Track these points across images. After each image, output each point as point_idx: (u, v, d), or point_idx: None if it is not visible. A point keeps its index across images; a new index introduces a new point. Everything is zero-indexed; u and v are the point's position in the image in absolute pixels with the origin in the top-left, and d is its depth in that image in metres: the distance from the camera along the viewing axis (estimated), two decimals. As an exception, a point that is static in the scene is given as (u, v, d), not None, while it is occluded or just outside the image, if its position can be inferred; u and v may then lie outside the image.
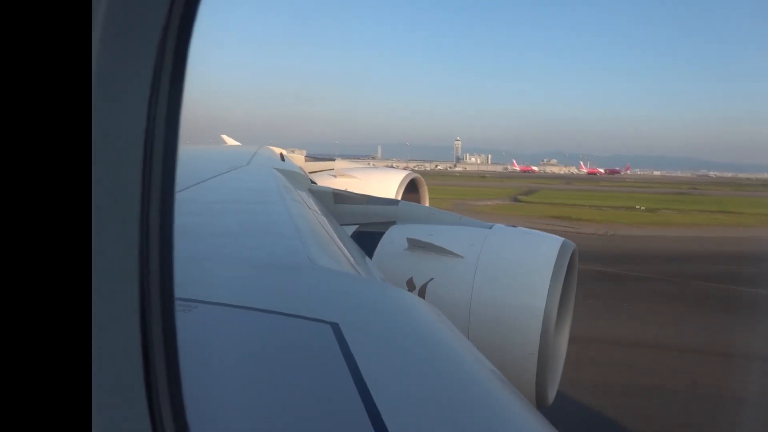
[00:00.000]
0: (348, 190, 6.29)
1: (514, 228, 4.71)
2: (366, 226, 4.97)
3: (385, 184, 8.98)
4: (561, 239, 4.34)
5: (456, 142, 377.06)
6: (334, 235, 3.51)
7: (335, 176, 9.42)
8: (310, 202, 4.85)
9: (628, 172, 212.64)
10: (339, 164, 11.64)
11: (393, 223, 4.92)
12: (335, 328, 1.51)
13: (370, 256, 4.33)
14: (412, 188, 9.50)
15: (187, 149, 8.22)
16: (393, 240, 4.54)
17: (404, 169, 12.46)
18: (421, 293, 4.08)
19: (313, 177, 8.23)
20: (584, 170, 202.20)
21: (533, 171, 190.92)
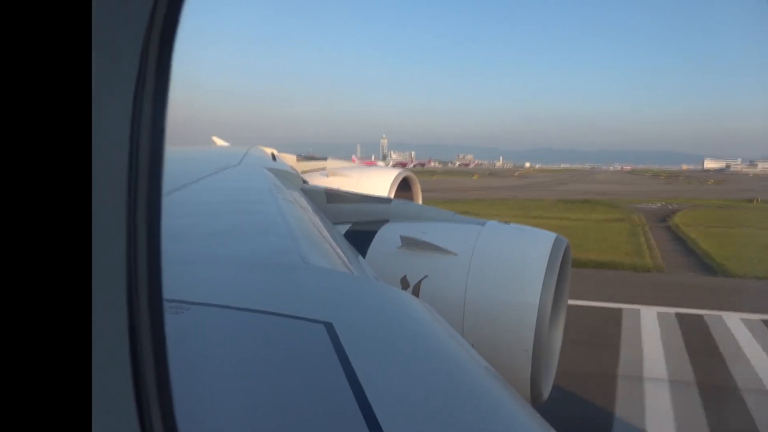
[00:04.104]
0: (340, 189, 6.27)
1: (507, 224, 4.71)
2: (359, 225, 4.97)
3: (377, 182, 8.97)
4: (554, 235, 4.35)
5: (382, 140, 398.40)
6: (327, 235, 3.50)
7: (327, 175, 9.40)
8: (303, 201, 4.83)
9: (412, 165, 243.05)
10: (331, 163, 11.60)
11: (386, 221, 4.92)
12: (329, 327, 1.51)
13: (364, 254, 4.32)
14: (404, 186, 9.50)
15: (177, 150, 8.16)
16: (386, 238, 4.53)
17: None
18: (415, 291, 4.08)
19: (306, 176, 8.20)
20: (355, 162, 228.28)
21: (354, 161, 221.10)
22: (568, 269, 4.43)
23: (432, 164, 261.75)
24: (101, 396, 0.69)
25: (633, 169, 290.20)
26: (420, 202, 9.52)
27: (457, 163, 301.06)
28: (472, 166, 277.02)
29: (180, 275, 1.86)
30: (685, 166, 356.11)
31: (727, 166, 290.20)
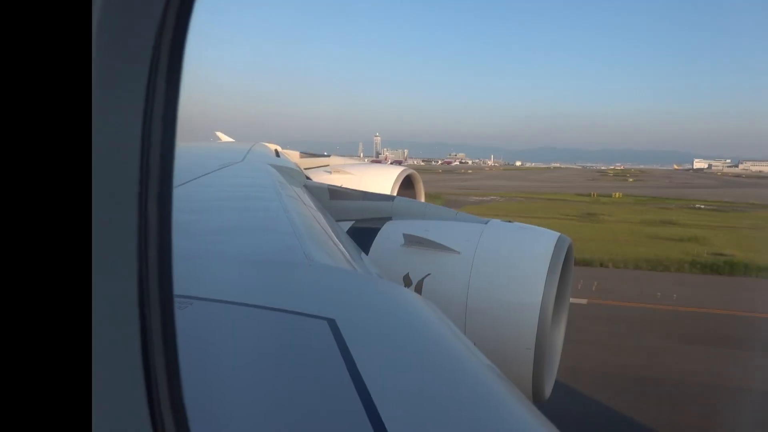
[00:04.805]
0: (344, 186, 6.28)
1: (510, 223, 4.71)
2: (362, 222, 4.97)
3: (380, 179, 8.97)
4: (557, 234, 4.35)
5: (375, 138, 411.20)
6: (330, 231, 3.51)
7: (330, 172, 9.40)
8: (306, 198, 4.83)
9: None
10: (334, 160, 11.60)
11: (389, 218, 4.92)
12: (332, 324, 1.51)
13: (367, 252, 4.32)
14: (407, 184, 9.49)
15: (181, 146, 8.14)
16: (389, 236, 4.54)
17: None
18: (418, 289, 4.09)
19: (309, 173, 8.20)
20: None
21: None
22: (571, 268, 4.43)
23: (412, 162, 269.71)
24: (112, 388, 0.70)
25: (612, 168, 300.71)
26: (423, 200, 9.51)
27: (440, 161, 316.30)
28: (455, 163, 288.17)
29: (184, 271, 1.87)
30: (676, 166, 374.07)
31: (709, 166, 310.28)
